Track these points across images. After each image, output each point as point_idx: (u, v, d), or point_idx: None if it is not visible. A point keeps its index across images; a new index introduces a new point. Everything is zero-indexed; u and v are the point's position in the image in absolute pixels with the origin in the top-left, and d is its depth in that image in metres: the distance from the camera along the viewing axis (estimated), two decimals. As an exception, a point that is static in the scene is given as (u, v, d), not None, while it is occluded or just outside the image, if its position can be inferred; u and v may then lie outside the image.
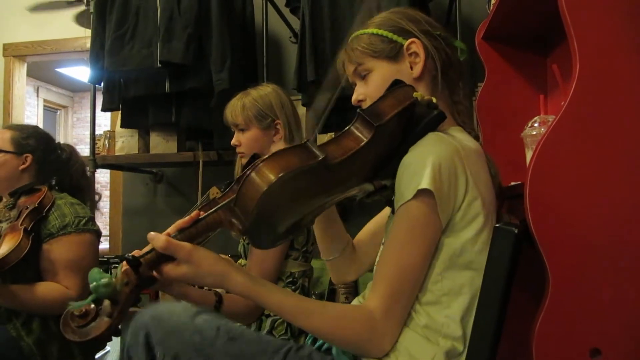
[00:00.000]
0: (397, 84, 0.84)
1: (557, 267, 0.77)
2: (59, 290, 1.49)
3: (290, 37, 2.44)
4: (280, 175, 0.70)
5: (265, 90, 1.48)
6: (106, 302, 0.73)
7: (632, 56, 0.79)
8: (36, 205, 1.50)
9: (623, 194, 0.77)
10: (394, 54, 0.92)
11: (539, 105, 1.36)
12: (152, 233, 0.75)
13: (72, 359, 1.57)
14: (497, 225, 0.79)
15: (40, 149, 1.68)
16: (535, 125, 1.20)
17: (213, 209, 0.77)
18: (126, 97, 2.15)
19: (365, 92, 0.95)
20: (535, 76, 1.46)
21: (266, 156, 0.73)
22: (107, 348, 3.30)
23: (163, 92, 2.06)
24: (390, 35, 0.92)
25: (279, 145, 1.43)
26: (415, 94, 0.81)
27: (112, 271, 2.40)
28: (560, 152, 0.79)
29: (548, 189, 0.79)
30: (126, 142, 2.31)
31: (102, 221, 5.92)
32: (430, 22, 0.95)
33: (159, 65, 1.99)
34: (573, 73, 0.78)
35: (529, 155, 1.22)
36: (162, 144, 2.27)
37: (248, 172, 0.72)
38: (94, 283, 0.71)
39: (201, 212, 0.78)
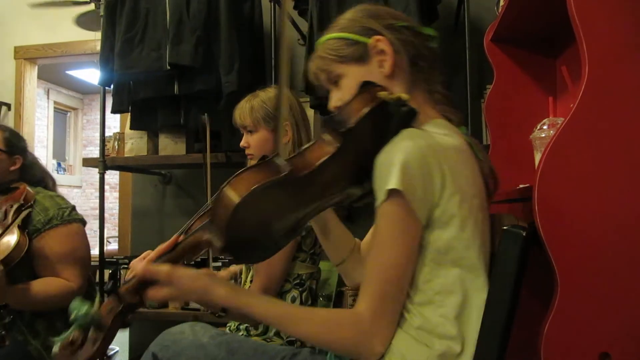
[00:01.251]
0: (365, 86, 0.83)
1: (565, 270, 0.77)
2: (61, 283, 1.50)
3: (299, 40, 2.45)
4: (247, 193, 0.71)
5: (273, 92, 1.49)
6: (92, 329, 0.77)
7: (642, 58, 0.78)
8: (21, 202, 1.50)
9: (633, 196, 0.77)
10: (359, 55, 0.90)
11: (548, 107, 1.35)
12: (133, 262, 0.79)
13: None
14: (504, 227, 0.79)
15: (26, 151, 1.71)
16: (544, 127, 1.19)
17: (191, 233, 0.80)
18: (135, 99, 2.16)
19: (341, 98, 0.92)
20: (544, 78, 1.45)
21: (233, 176, 0.74)
22: (116, 348, 3.32)
23: (172, 94, 2.07)
24: (353, 36, 0.91)
25: (287, 147, 1.44)
26: (380, 94, 0.80)
27: (122, 272, 2.42)
28: (569, 154, 0.78)
29: (557, 192, 0.78)
30: (135, 144, 2.33)
31: (112, 222, 5.98)
32: (393, 15, 0.93)
33: (168, 67, 2.00)
34: (582, 75, 0.78)
35: (537, 157, 1.21)
36: (170, 146, 2.29)
37: (218, 192, 0.74)
38: (74, 313, 0.75)
39: (180, 237, 0.81)
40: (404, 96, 0.81)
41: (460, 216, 0.79)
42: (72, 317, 0.76)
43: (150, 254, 0.81)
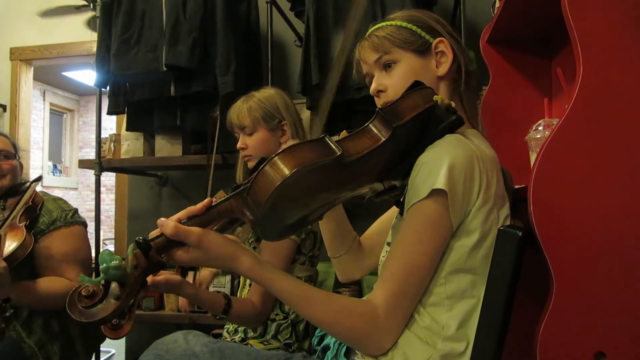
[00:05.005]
0: (417, 85, 0.84)
1: (560, 269, 0.77)
2: (65, 282, 1.50)
3: (295, 41, 2.45)
4: (295, 169, 0.70)
5: (269, 92, 1.49)
6: (114, 284, 0.72)
7: (636, 60, 0.79)
8: (30, 204, 1.52)
9: (627, 196, 0.77)
10: (422, 49, 0.92)
11: (543, 108, 1.36)
12: (161, 219, 0.75)
13: (75, 356, 1.58)
14: (500, 228, 0.79)
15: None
16: (540, 128, 1.20)
17: (225, 197, 0.76)
18: (132, 100, 2.16)
19: (387, 83, 0.94)
20: (539, 79, 1.45)
21: (282, 149, 0.73)
22: (112, 351, 3.31)
23: (168, 95, 2.07)
24: (418, 30, 0.93)
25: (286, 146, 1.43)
26: (435, 97, 0.81)
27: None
28: (564, 155, 0.79)
29: (552, 192, 0.79)
30: (131, 146, 2.32)
31: (108, 224, 5.96)
32: (451, 28, 0.96)
33: (165, 69, 2.00)
34: (576, 76, 0.78)
35: (533, 158, 1.22)
36: (167, 147, 2.28)
37: (264, 164, 0.72)
38: (104, 265, 0.71)
39: (213, 200, 0.78)
40: (454, 104, 0.83)
41: (487, 226, 0.80)
42: (102, 268, 0.71)
43: (179, 213, 0.77)
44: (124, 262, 0.72)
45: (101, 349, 2.34)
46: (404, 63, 0.92)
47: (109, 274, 0.71)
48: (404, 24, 0.93)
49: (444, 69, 0.92)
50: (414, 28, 0.93)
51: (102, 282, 0.73)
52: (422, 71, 0.91)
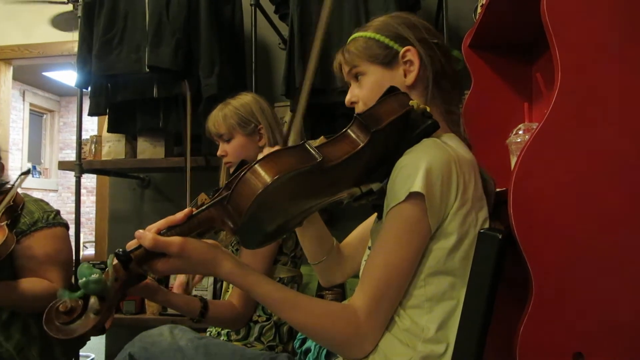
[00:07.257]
0: (392, 90, 0.85)
1: (540, 271, 0.78)
2: (46, 284, 1.48)
3: (279, 44, 2.45)
4: (277, 176, 0.70)
5: (244, 99, 1.50)
6: (93, 299, 0.71)
7: (613, 65, 0.80)
8: (11, 204, 1.49)
9: (605, 199, 0.79)
10: (388, 60, 0.93)
11: (524, 112, 1.38)
12: (139, 231, 0.74)
13: None
14: (481, 230, 0.80)
15: None
16: (520, 132, 1.22)
17: (205, 206, 0.76)
18: (113, 101, 2.13)
19: (358, 95, 0.96)
20: (520, 84, 1.48)
21: (264, 155, 0.72)
22: (92, 355, 3.26)
23: (151, 97, 2.05)
24: (386, 41, 0.93)
25: (264, 150, 1.44)
26: (411, 102, 0.83)
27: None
28: (544, 158, 0.80)
29: (531, 195, 0.80)
30: (113, 147, 2.29)
31: (88, 227, 5.87)
32: (428, 30, 0.96)
33: (147, 70, 1.98)
34: (555, 81, 0.80)
35: (513, 161, 1.23)
36: (149, 149, 2.26)
37: (244, 172, 0.71)
38: (84, 279, 0.69)
39: (193, 210, 0.77)
40: (429, 108, 0.84)
41: (465, 228, 0.81)
42: (82, 282, 0.69)
43: (158, 223, 0.76)
44: (103, 276, 0.71)
45: (80, 353, 2.30)
46: (370, 75, 0.94)
47: (89, 288, 0.70)
48: (372, 35, 0.94)
49: (410, 78, 0.92)
50: (382, 39, 0.93)
51: (83, 296, 0.71)
52: (390, 82, 0.91)
